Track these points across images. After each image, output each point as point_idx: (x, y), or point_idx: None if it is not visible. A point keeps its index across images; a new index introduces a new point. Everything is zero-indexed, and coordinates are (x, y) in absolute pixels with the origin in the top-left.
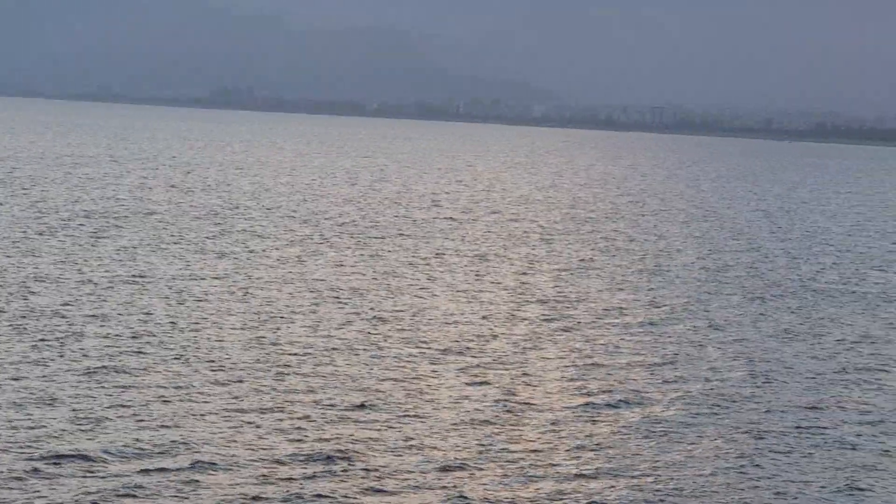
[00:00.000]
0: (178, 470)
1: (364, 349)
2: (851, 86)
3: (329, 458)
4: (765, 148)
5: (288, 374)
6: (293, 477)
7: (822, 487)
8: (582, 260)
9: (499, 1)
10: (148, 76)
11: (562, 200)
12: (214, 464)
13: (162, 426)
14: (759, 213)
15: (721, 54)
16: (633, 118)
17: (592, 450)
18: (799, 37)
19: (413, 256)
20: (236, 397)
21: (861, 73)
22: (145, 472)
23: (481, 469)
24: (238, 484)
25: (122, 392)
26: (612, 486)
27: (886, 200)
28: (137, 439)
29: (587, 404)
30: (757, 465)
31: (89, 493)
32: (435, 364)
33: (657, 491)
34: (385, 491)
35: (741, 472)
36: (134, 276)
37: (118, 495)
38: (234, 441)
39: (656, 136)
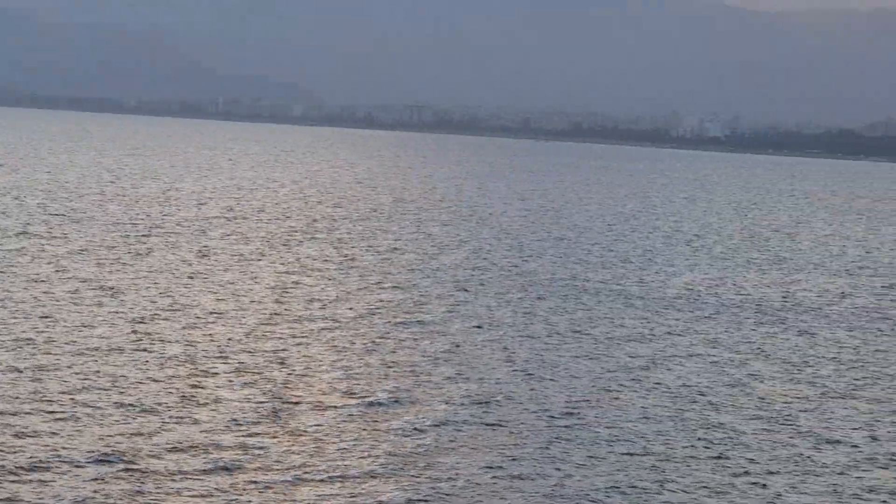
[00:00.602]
0: None
1: (130, 350)
2: (607, 87)
3: (97, 461)
4: (523, 147)
5: (49, 376)
6: (55, 481)
7: (583, 484)
8: (346, 259)
9: (265, 1)
10: None
11: (325, 199)
12: None
13: None
14: (522, 211)
15: (478, 54)
16: (393, 117)
17: (361, 449)
18: (555, 38)
19: (178, 256)
20: None
21: (616, 75)
22: None
23: (252, 470)
24: (2, 488)
25: None
26: (378, 486)
27: (647, 199)
28: None
29: (356, 404)
30: (518, 463)
31: None
32: (202, 365)
33: (420, 490)
34: (154, 493)
35: (503, 470)
36: None
37: None
38: None
39: (416, 134)
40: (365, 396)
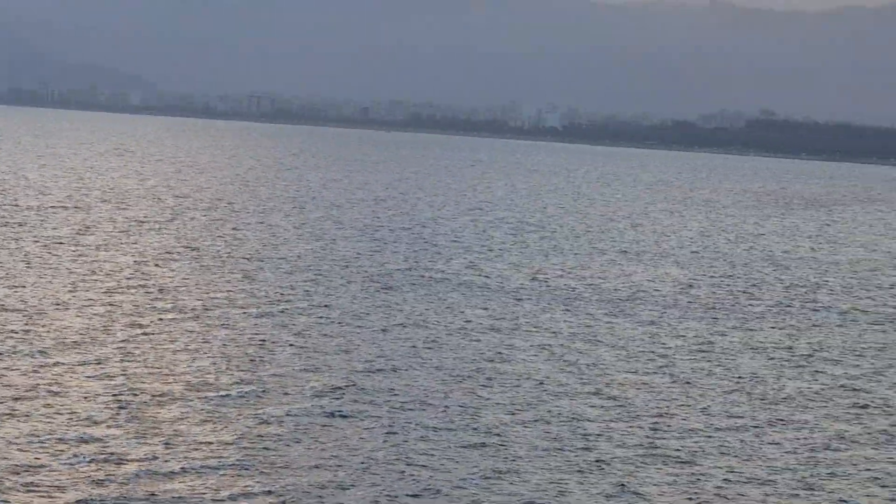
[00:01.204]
0: None
1: None
2: (447, 78)
3: None
4: (363, 137)
5: None
6: None
7: (430, 473)
8: (190, 249)
9: None
10: None
11: (167, 189)
12: None
13: None
14: (366, 202)
15: (316, 44)
16: (232, 107)
17: (210, 442)
18: (394, 29)
19: (21, 246)
20: None
21: (455, 66)
22: None
23: (100, 462)
24: None
25: None
26: (227, 478)
27: (490, 190)
28: None
29: (203, 396)
30: (365, 454)
31: None
32: (46, 357)
33: (268, 481)
34: (11, 489)
35: (350, 461)
36: None
37: None
38: None
39: (255, 124)
40: (212, 388)
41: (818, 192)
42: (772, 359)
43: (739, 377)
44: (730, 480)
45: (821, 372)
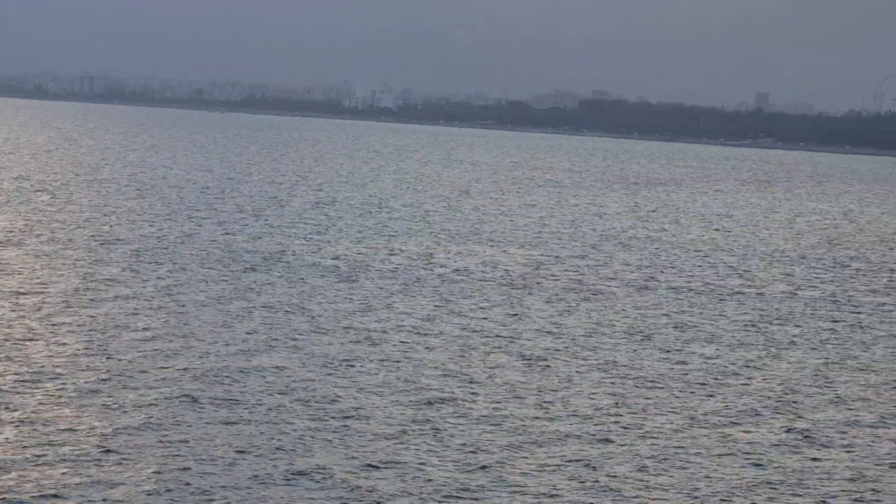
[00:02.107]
0: None
1: None
2: (280, 58)
3: None
4: (197, 118)
5: None
6: None
7: (311, 459)
8: (34, 232)
9: None
10: None
11: (3, 171)
12: None
13: None
14: (210, 184)
15: (149, 25)
16: (64, 87)
17: (77, 432)
18: (224, 9)
19: None
20: None
21: (289, 45)
22: None
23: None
24: None
25: None
26: (97, 468)
27: (332, 171)
28: None
29: (67, 385)
30: (243, 438)
31: None
32: None
33: (145, 469)
34: None
35: (228, 446)
36: None
37: None
38: None
39: (87, 105)
40: (75, 377)
41: (657, 171)
42: (619, 338)
43: (587, 356)
44: (588, 464)
45: (668, 350)
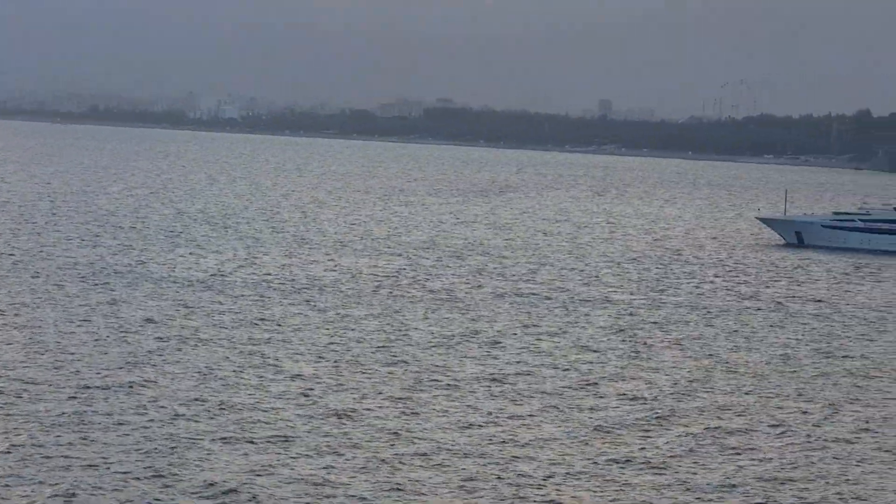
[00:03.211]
0: None
1: None
2: (124, 69)
3: None
4: (39, 129)
5: None
6: None
7: (109, 469)
8: None
9: None
10: None
11: None
12: None
13: None
14: (41, 195)
15: None
16: None
17: None
18: (64, 21)
19: None
20: None
21: (129, 57)
22: None
23: None
24: None
25: None
26: None
27: (169, 181)
28: None
29: None
30: (40, 448)
31: None
32: None
33: None
34: None
35: (24, 453)
36: None
37: None
38: None
39: None
40: None
41: (506, 178)
42: (452, 345)
43: (419, 364)
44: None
45: (498, 357)
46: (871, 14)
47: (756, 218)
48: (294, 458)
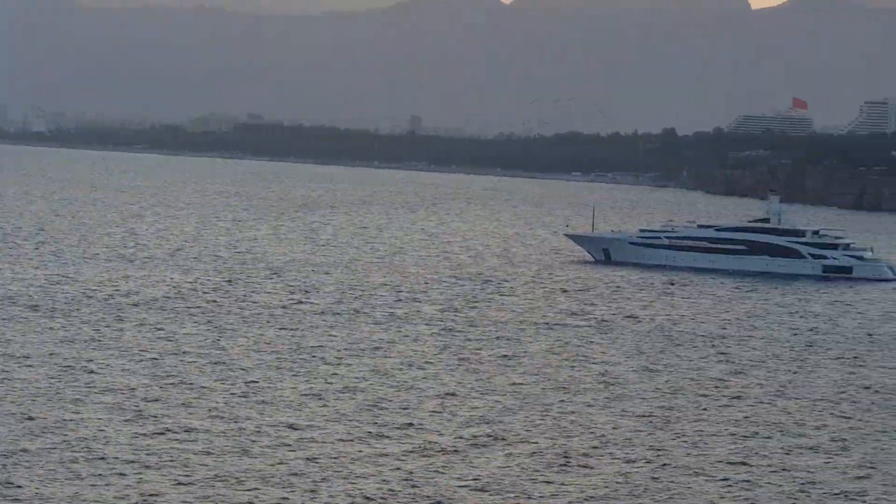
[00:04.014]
0: None
1: None
2: None
3: None
4: None
5: None
6: None
7: None
8: None
9: None
10: None
11: None
12: None
13: None
14: None
15: None
16: None
17: None
18: None
19: None
20: None
21: None
22: None
23: None
24: None
25: None
26: None
27: None
28: None
29: None
30: None
31: None
32: None
33: None
34: None
35: None
36: None
37: None
38: None
39: None
40: None
41: (317, 195)
42: (276, 360)
43: (247, 378)
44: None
45: (320, 372)
46: (677, 35)
47: (565, 235)
48: (113, 473)
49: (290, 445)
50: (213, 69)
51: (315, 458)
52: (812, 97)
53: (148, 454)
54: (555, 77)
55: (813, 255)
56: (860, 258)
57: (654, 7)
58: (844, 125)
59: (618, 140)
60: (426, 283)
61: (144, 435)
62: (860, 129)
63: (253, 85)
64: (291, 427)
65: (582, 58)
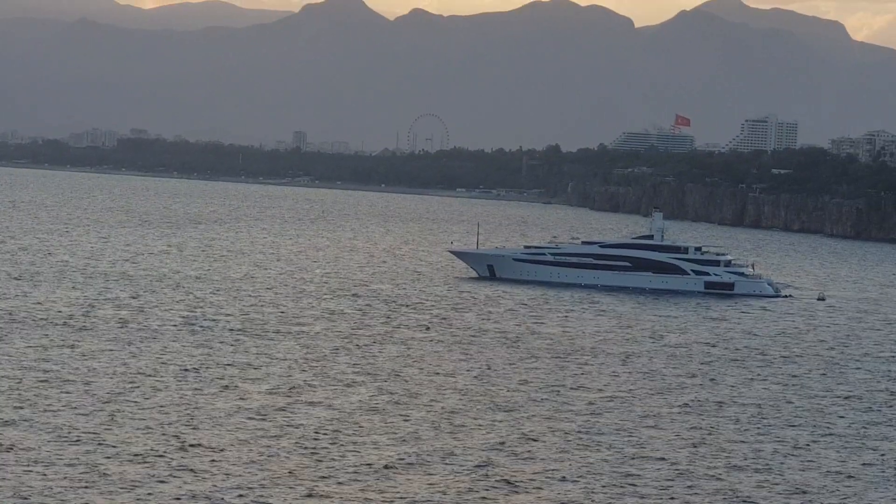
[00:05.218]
0: None
1: None
2: None
3: None
4: None
5: None
6: None
7: None
8: None
9: None
10: None
11: None
12: None
13: None
14: None
15: None
16: None
17: None
18: None
19: None
20: None
21: None
22: None
23: None
24: None
25: None
26: None
27: None
28: None
29: None
30: None
31: None
32: None
33: None
34: None
35: None
36: None
37: None
38: None
39: None
40: None
41: (199, 210)
42: (183, 378)
43: (163, 394)
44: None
45: (235, 388)
46: (565, 53)
47: (448, 251)
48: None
49: (159, 457)
50: (96, 83)
51: (182, 469)
52: (694, 115)
53: (70, 466)
54: (439, 93)
55: (695, 272)
56: (742, 274)
57: (540, 27)
58: (726, 143)
59: (502, 156)
60: (307, 299)
61: (72, 442)
62: (741, 146)
63: (136, 100)
64: (163, 437)
65: (467, 74)
